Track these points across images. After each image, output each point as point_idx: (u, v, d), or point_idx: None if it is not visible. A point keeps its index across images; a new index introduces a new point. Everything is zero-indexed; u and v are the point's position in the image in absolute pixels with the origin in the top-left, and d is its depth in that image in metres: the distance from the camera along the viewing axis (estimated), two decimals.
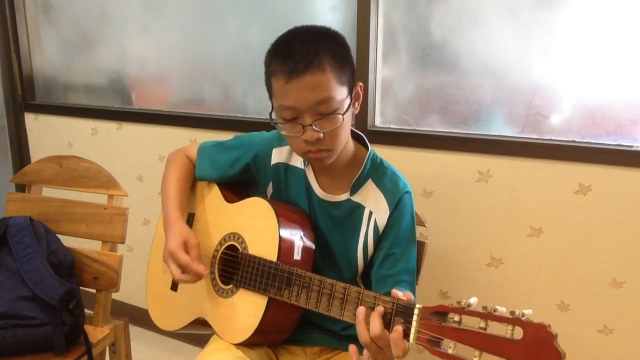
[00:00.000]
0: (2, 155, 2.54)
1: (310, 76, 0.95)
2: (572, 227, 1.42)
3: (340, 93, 0.99)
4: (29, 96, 2.47)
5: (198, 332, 1.23)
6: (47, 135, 2.45)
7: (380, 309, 0.87)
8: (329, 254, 1.15)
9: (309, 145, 1.01)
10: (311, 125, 0.98)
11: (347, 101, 1.01)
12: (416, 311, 0.84)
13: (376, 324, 0.86)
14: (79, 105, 2.35)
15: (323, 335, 1.17)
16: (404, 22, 1.59)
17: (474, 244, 1.55)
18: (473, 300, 0.78)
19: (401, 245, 1.10)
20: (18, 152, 2.52)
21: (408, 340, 0.84)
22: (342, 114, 0.99)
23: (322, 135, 0.99)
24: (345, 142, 1.07)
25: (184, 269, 1.09)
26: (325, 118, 0.98)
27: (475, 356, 0.76)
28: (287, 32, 1.03)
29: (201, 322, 1.18)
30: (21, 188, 1.63)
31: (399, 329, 0.84)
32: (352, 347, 0.91)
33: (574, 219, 1.41)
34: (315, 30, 1.03)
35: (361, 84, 1.07)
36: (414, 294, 1.10)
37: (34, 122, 2.48)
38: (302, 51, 0.97)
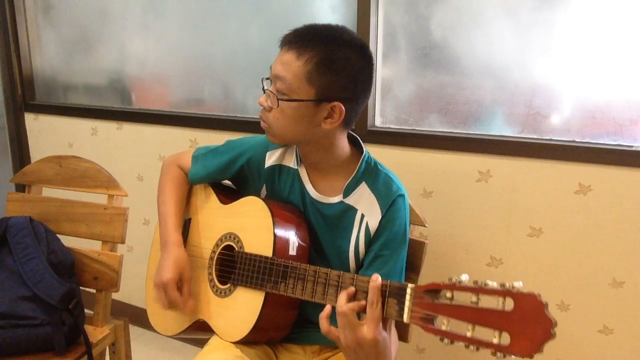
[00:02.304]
0: (2, 155, 2.54)
1: (286, 53, 1.01)
2: (572, 227, 1.42)
3: (302, 89, 0.99)
4: (29, 96, 2.47)
5: (198, 337, 1.24)
6: (47, 135, 2.45)
7: (351, 289, 0.90)
8: (322, 254, 1.15)
9: (260, 111, 1.07)
10: (264, 90, 1.05)
11: (305, 102, 1.00)
12: (409, 290, 0.84)
13: (341, 299, 0.89)
14: (79, 105, 2.35)
15: (322, 334, 1.17)
16: (404, 22, 1.59)
17: (474, 244, 1.55)
18: (464, 276, 0.79)
19: (391, 247, 1.09)
20: (18, 152, 2.52)
21: (402, 320, 0.84)
22: (279, 99, 1.01)
23: (266, 105, 1.05)
24: (290, 134, 1.06)
25: (173, 303, 1.14)
26: (270, 93, 1.03)
27: (469, 330, 0.76)
28: (329, 24, 1.06)
29: (201, 326, 1.18)
30: (21, 188, 1.63)
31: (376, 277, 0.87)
32: (324, 312, 0.91)
33: (574, 219, 1.41)
34: (342, 35, 1.02)
35: (342, 108, 1.01)
36: None
37: (34, 122, 2.48)
38: (302, 33, 1.02)
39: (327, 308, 0.91)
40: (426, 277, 1.27)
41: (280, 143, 1.13)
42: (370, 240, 1.11)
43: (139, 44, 2.16)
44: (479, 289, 0.76)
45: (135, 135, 2.18)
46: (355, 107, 1.05)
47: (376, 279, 0.87)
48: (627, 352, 1.42)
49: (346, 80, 1.01)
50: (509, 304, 0.73)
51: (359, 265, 1.13)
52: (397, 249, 1.10)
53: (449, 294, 0.79)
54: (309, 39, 0.99)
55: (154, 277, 1.17)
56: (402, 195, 1.12)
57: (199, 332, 1.20)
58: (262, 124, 1.08)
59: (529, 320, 0.71)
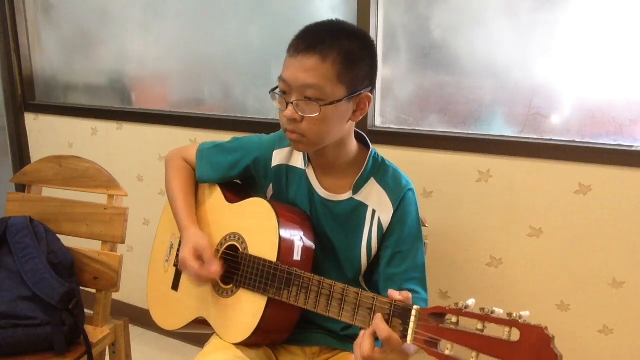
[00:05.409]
0: (2, 155, 2.54)
1: (308, 58, 0.98)
2: (572, 227, 1.42)
3: (334, 89, 0.99)
4: (29, 96, 2.47)
5: (198, 332, 1.24)
6: (47, 135, 2.45)
7: (370, 330, 0.87)
8: (332, 254, 1.15)
9: (287, 124, 1.03)
10: (292, 103, 1.00)
11: (342, 101, 1.00)
12: (414, 312, 0.84)
13: (366, 345, 0.86)
14: (79, 105, 2.35)
15: (323, 335, 1.17)
16: (404, 22, 1.59)
17: (474, 244, 1.55)
18: (471, 301, 0.78)
19: (408, 242, 1.10)
20: (18, 152, 2.51)
21: (406, 341, 0.84)
22: (321, 106, 0.98)
23: (298, 117, 1.00)
24: (327, 137, 1.04)
25: (196, 275, 1.11)
26: (307, 102, 0.99)
27: (472, 357, 0.76)
28: (326, 20, 1.05)
29: (202, 322, 1.18)
30: (21, 188, 1.63)
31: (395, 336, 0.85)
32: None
33: (574, 219, 1.41)
34: (346, 27, 1.04)
35: (370, 96, 1.05)
36: (424, 290, 1.10)
37: (34, 122, 2.48)
38: (316, 35, 1.00)
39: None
40: (427, 276, 1.27)
41: (314, 150, 1.09)
42: (383, 236, 1.11)
43: (139, 44, 2.16)
44: (485, 317, 0.76)
45: (135, 135, 2.18)
46: (373, 91, 1.07)
47: (391, 295, 0.88)
48: (627, 352, 1.42)
49: (366, 69, 1.03)
50: (515, 335, 0.73)
51: (370, 262, 1.13)
52: (415, 242, 1.11)
53: (454, 319, 0.79)
54: (326, 40, 0.98)
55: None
56: (412, 190, 1.13)
57: (200, 327, 1.20)
58: (293, 136, 1.04)
59: (534, 353, 0.70)
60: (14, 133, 2.50)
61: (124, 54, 2.20)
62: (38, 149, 2.49)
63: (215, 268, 1.10)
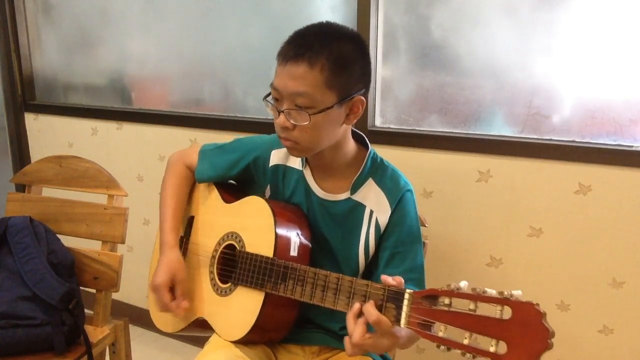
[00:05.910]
0: (2, 155, 2.54)
1: (296, 66, 0.97)
2: (572, 227, 1.42)
3: (324, 96, 0.98)
4: (29, 96, 2.47)
5: (199, 335, 1.24)
6: (47, 135, 2.45)
7: (363, 319, 0.88)
8: (330, 254, 1.15)
9: (280, 131, 1.03)
10: (284, 112, 1.00)
11: (332, 107, 0.99)
12: (407, 295, 0.84)
13: (357, 332, 0.87)
14: (79, 105, 2.35)
15: (322, 335, 1.17)
16: (404, 22, 1.59)
17: (474, 244, 1.55)
18: (463, 283, 0.79)
19: (406, 243, 1.10)
20: (18, 152, 2.52)
21: (398, 325, 0.85)
22: (311, 114, 0.98)
23: (290, 125, 1.00)
24: (321, 143, 1.04)
25: (165, 307, 1.14)
26: (298, 111, 0.99)
27: (466, 338, 0.76)
28: (316, 23, 1.04)
29: (202, 324, 1.18)
30: (21, 188, 1.63)
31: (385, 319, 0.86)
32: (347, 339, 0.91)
33: (574, 219, 1.41)
34: (336, 30, 1.03)
35: (363, 99, 1.04)
36: None
37: (34, 122, 2.48)
38: (304, 41, 0.99)
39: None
40: (426, 277, 1.27)
41: (309, 155, 1.09)
42: (381, 237, 1.11)
43: (139, 44, 2.16)
44: (477, 297, 0.76)
45: (135, 135, 2.18)
46: (367, 94, 1.07)
47: (384, 280, 0.88)
48: (627, 352, 1.42)
49: (358, 72, 1.02)
50: (507, 312, 0.73)
51: (368, 262, 1.13)
52: (414, 243, 1.11)
53: (447, 301, 0.79)
54: (314, 46, 0.97)
55: (150, 280, 1.17)
56: (410, 191, 1.13)
57: (200, 329, 1.20)
58: (287, 143, 1.04)
59: (526, 329, 0.71)
60: (14, 133, 2.50)
61: (124, 54, 2.20)
62: (38, 149, 2.49)
63: (184, 306, 1.14)
